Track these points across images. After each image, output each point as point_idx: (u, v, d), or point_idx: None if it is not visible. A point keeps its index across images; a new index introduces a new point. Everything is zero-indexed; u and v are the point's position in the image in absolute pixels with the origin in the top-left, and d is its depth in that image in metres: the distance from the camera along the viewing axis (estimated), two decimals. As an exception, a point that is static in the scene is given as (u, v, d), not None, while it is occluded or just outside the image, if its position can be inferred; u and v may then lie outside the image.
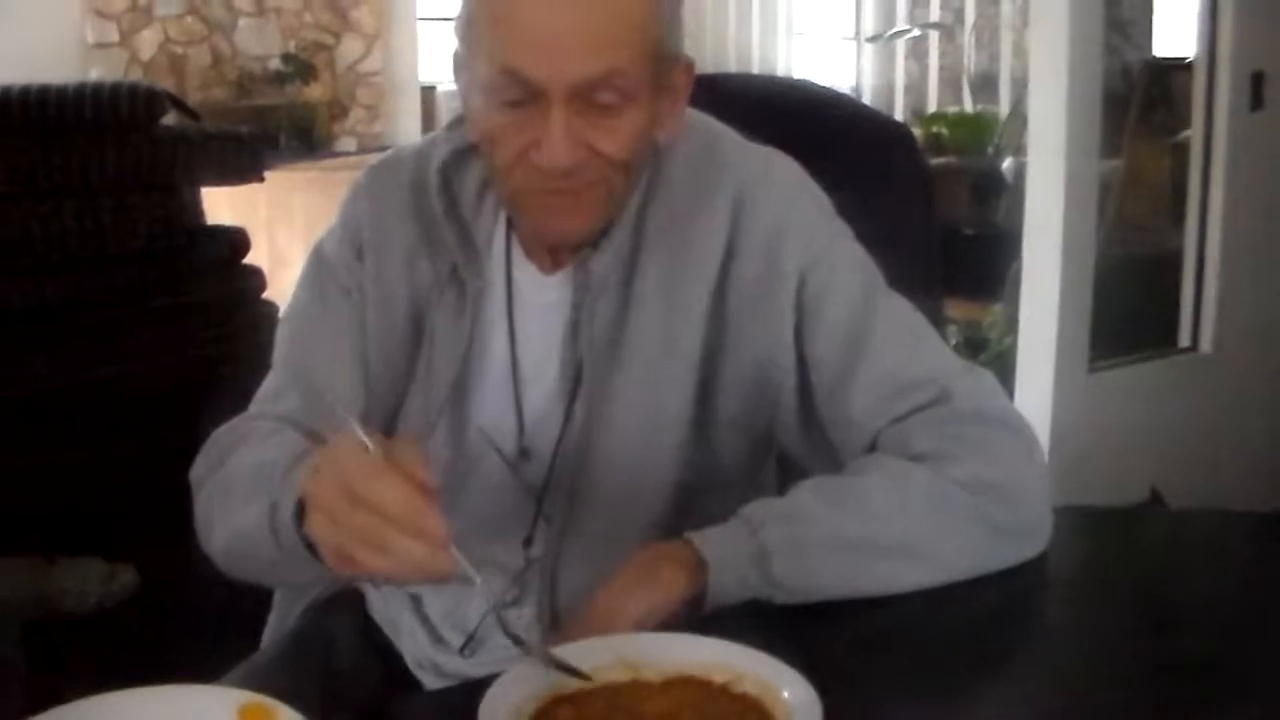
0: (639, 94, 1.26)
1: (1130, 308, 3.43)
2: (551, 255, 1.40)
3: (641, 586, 1.20)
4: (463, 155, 1.41)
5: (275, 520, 1.18)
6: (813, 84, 2.43)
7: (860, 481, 1.27)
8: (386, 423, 1.43)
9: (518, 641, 1.06)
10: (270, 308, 3.23)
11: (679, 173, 1.39)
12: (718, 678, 1.03)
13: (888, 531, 1.24)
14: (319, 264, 1.46)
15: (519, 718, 0.98)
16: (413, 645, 1.50)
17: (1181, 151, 3.66)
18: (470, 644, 1.45)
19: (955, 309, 4.23)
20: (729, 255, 1.37)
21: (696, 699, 1.01)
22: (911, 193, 1.87)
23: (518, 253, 1.41)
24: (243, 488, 1.25)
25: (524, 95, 1.23)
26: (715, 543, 1.23)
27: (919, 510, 1.25)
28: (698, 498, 1.39)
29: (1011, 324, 3.49)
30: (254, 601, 1.54)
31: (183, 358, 3.02)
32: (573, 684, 1.02)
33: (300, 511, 1.13)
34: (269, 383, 1.43)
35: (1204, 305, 3.51)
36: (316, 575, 1.09)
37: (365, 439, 1.03)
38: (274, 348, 1.46)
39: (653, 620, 1.16)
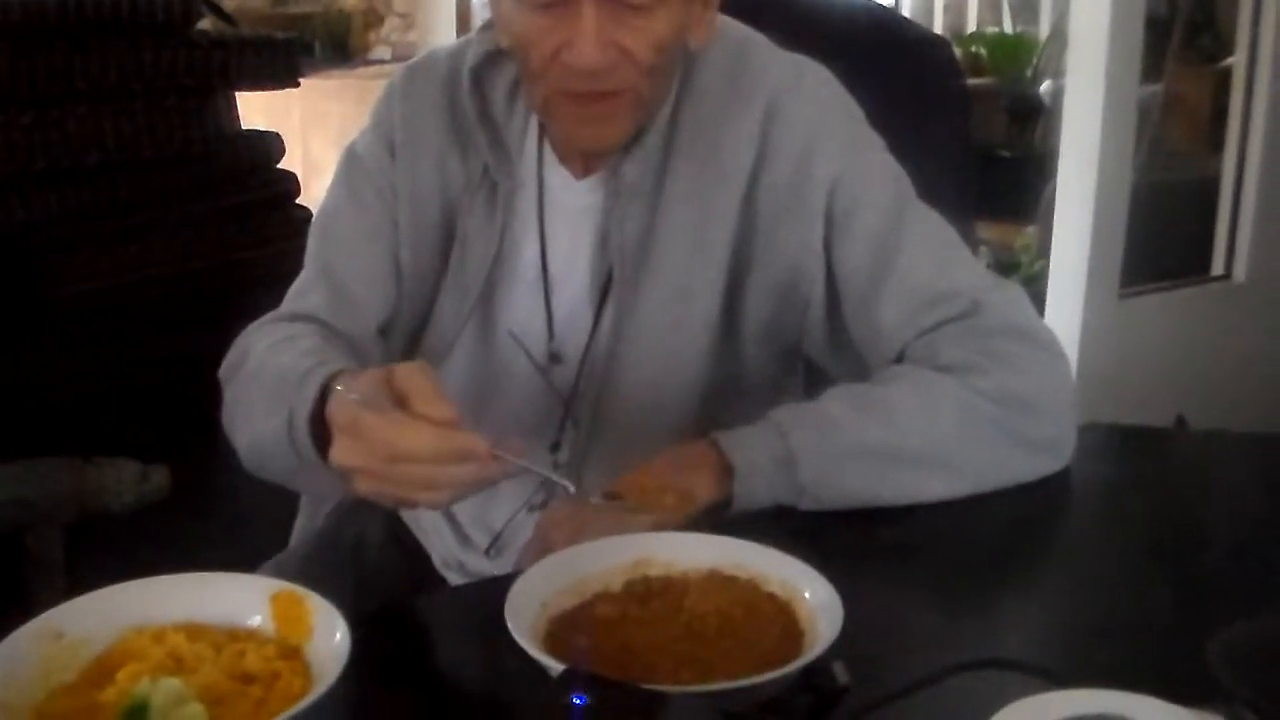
0: None
1: (1164, 234, 3.40)
2: (583, 160, 1.40)
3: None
4: (494, 57, 1.40)
5: (292, 433, 1.19)
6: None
7: (888, 390, 1.28)
8: (417, 325, 1.44)
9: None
10: (304, 213, 3.23)
11: (710, 79, 1.38)
12: (743, 577, 1.03)
13: (914, 441, 1.25)
14: (351, 163, 1.46)
15: (546, 611, 0.99)
16: (440, 545, 1.52)
17: (1224, 78, 3.61)
18: (496, 544, 1.47)
19: (987, 230, 4.20)
20: (759, 163, 1.36)
21: (731, 596, 1.01)
22: (947, 109, 1.86)
23: (549, 156, 1.41)
24: (263, 397, 1.25)
25: None
26: (744, 447, 1.23)
27: (945, 421, 1.25)
28: (723, 406, 1.39)
29: (1043, 247, 3.47)
30: (283, 503, 1.56)
31: (216, 261, 3.03)
32: (600, 582, 1.03)
33: (315, 420, 1.15)
34: (299, 279, 1.44)
35: (1239, 234, 3.48)
36: (333, 485, 1.11)
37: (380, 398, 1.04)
38: (307, 246, 1.47)
39: (676, 522, 1.16)
